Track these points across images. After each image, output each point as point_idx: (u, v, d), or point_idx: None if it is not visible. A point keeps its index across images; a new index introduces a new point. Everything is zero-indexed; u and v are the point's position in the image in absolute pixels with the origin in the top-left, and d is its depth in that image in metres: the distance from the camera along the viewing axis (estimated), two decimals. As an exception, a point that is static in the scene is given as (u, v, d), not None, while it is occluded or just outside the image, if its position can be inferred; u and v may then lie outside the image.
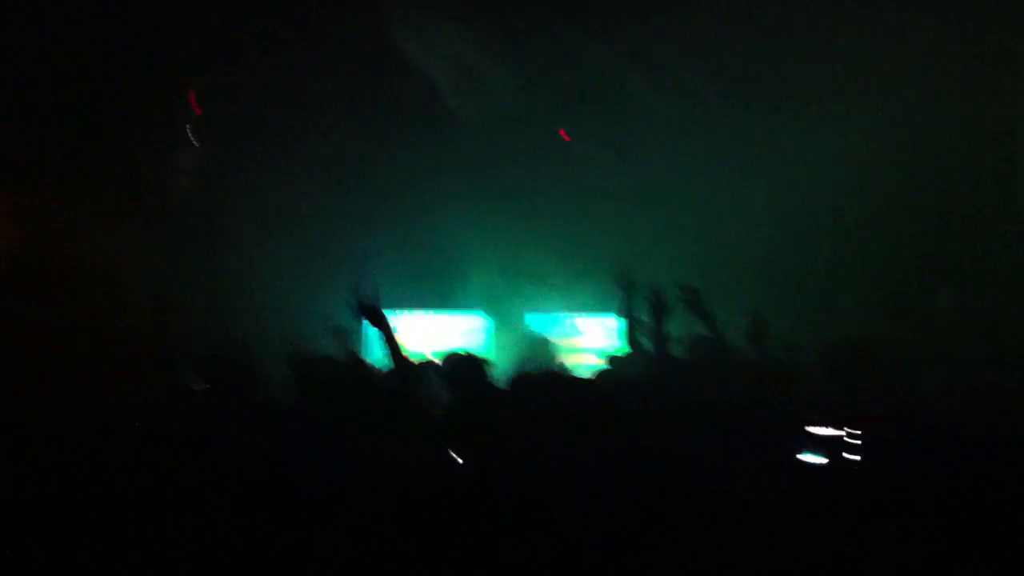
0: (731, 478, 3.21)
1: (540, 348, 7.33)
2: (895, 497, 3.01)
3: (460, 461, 3.31)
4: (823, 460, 3.57)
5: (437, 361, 4.90)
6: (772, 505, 3.07)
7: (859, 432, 3.66)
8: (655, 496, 3.07)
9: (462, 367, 4.62)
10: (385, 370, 4.27)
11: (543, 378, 4.15)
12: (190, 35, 6.89)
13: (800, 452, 3.57)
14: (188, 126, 7.51)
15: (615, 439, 3.38)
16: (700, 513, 3.00)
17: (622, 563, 2.88)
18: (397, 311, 7.35)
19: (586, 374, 5.00)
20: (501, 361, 6.35)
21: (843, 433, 3.66)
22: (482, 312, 8.26)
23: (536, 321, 8.24)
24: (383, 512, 3.06)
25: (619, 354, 5.49)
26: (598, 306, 7.93)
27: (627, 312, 5.25)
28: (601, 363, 5.73)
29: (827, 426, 3.67)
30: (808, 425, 3.66)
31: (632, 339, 5.22)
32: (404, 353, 4.03)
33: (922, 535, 2.73)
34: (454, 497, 3.07)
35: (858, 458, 3.58)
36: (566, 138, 7.93)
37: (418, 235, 7.96)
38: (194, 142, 7.58)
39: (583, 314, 8.19)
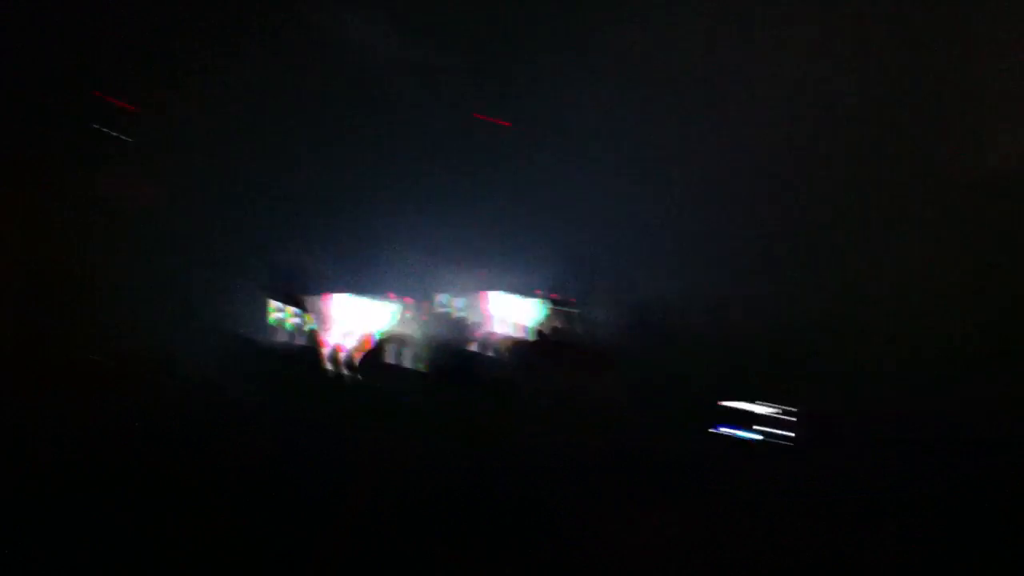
0: (730, 478, 3.22)
1: (457, 328, 7.62)
2: (895, 497, 3.01)
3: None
4: (757, 437, 3.67)
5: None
6: (772, 505, 3.07)
7: (794, 410, 3.76)
8: (654, 496, 3.07)
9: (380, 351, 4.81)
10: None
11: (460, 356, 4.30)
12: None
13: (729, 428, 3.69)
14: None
15: (615, 439, 3.38)
16: (700, 513, 3.01)
17: (622, 563, 2.88)
18: (320, 295, 7.56)
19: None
20: (421, 342, 6.65)
21: (777, 411, 3.76)
22: (403, 295, 8.49)
23: (455, 302, 8.54)
24: (383, 512, 3.06)
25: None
26: (518, 287, 8.17)
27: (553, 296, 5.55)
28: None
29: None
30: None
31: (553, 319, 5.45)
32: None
33: (922, 535, 2.73)
34: (454, 497, 3.07)
35: (792, 435, 3.70)
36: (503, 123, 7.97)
37: (344, 221, 8.07)
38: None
39: (504, 294, 8.47)
